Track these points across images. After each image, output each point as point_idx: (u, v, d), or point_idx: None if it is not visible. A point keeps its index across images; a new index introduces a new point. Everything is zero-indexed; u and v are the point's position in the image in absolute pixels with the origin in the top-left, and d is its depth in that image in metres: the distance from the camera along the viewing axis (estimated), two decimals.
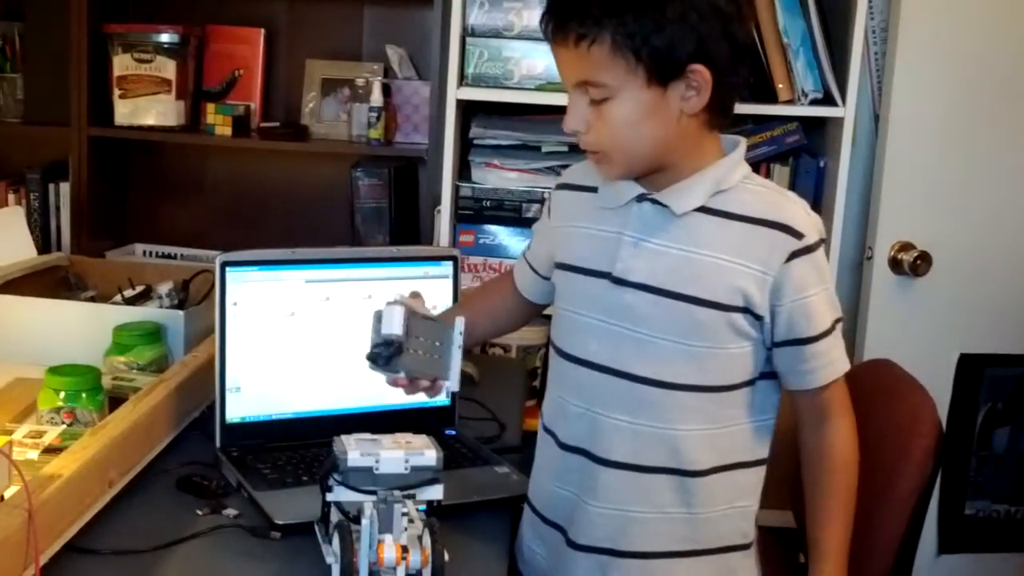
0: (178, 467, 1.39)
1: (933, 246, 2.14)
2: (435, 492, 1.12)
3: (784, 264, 1.19)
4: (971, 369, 2.21)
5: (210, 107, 2.52)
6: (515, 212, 2.28)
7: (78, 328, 1.66)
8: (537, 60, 2.18)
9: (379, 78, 2.50)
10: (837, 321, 1.25)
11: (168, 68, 2.46)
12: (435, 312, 1.32)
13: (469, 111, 2.31)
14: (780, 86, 2.12)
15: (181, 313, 1.69)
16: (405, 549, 1.06)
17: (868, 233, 2.19)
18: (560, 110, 2.24)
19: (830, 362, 1.23)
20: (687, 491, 1.24)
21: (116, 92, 2.46)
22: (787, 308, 1.20)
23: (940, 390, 2.14)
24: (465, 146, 2.30)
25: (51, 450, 1.30)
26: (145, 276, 1.93)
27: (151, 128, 2.47)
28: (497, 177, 2.28)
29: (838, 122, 2.11)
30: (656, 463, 1.24)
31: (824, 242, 1.24)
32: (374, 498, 1.07)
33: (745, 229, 1.20)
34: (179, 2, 2.58)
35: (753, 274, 1.19)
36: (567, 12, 1.16)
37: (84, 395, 1.42)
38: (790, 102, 2.13)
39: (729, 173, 1.22)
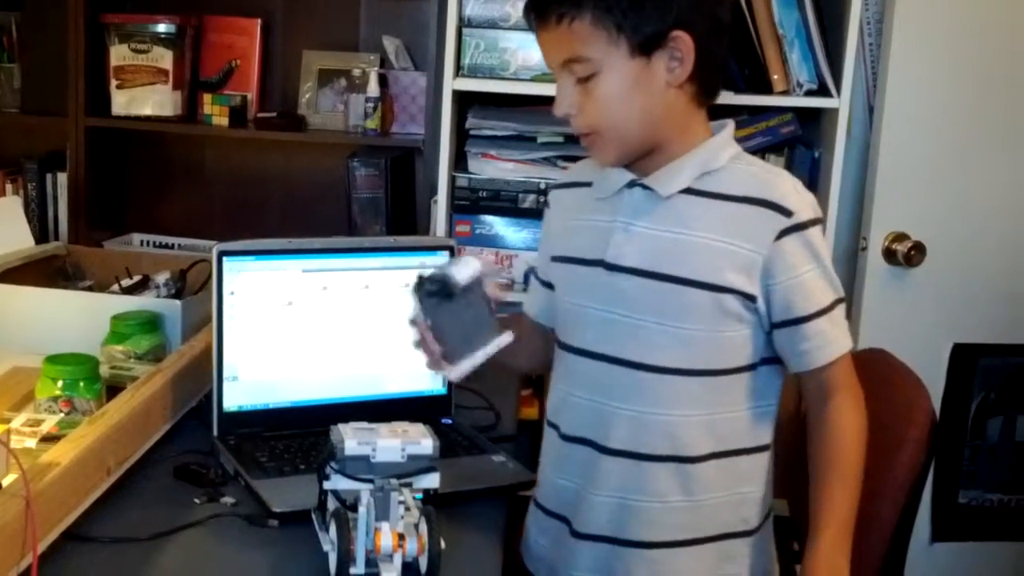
0: (175, 455, 1.40)
1: (927, 237, 2.14)
2: (431, 480, 1.12)
3: (774, 242, 1.19)
4: (965, 359, 2.22)
5: (207, 97, 2.52)
6: (511, 203, 2.28)
7: (76, 317, 1.66)
8: (533, 51, 2.18)
9: (376, 68, 2.51)
10: (838, 301, 1.23)
11: (165, 58, 2.46)
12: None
13: (465, 101, 2.31)
14: (775, 77, 2.13)
15: (178, 303, 1.70)
16: (401, 537, 1.07)
17: (863, 224, 2.20)
18: (554, 101, 2.26)
19: (829, 341, 1.22)
20: (686, 478, 1.24)
21: (113, 82, 2.46)
22: (781, 287, 1.20)
23: (934, 380, 2.15)
24: (461, 136, 2.31)
25: (49, 439, 1.31)
26: (142, 266, 1.93)
27: (148, 118, 2.48)
28: (493, 168, 2.28)
29: (833, 113, 2.12)
30: (656, 451, 1.24)
31: (820, 221, 1.22)
32: (371, 486, 1.08)
33: (733, 208, 1.20)
34: None
35: (743, 253, 1.19)
36: None
37: (82, 384, 1.43)
38: (785, 93, 2.13)
39: (717, 154, 1.23)
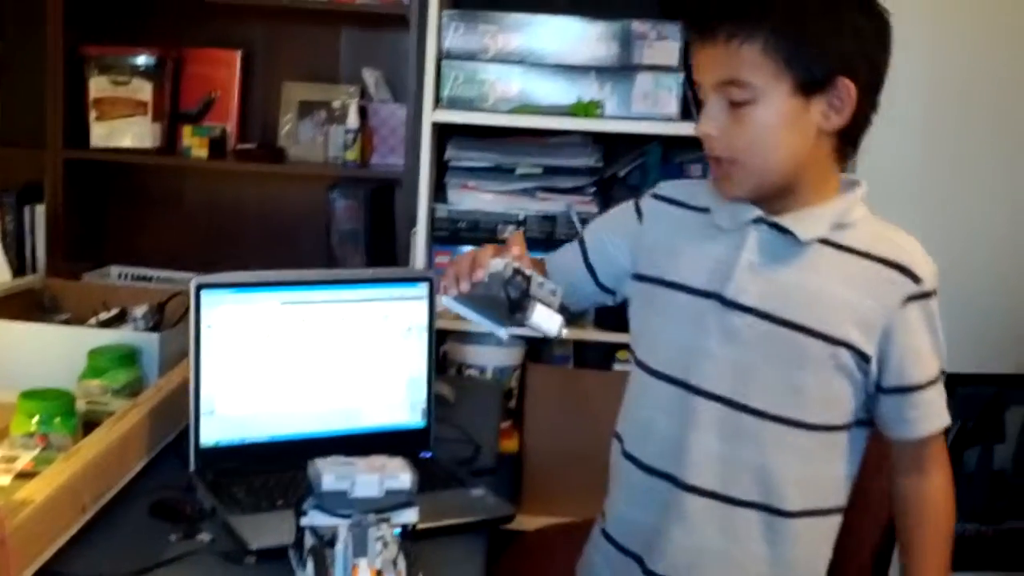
0: (152, 491, 1.39)
1: None
2: (410, 515, 1.12)
3: (901, 306, 1.17)
4: None
5: (187, 129, 2.52)
6: (490, 233, 2.30)
7: (52, 351, 1.65)
8: (512, 83, 2.20)
9: (355, 100, 2.52)
10: (943, 372, 1.23)
11: (144, 90, 2.46)
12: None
13: (445, 133, 2.33)
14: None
15: (156, 336, 1.69)
16: (380, 573, 1.06)
17: None
18: (535, 132, 2.29)
19: (936, 412, 1.22)
20: (774, 530, 1.22)
21: (92, 114, 2.46)
22: (898, 352, 1.18)
23: None
24: (441, 168, 2.32)
25: (24, 475, 1.29)
26: (120, 299, 1.92)
27: (127, 150, 2.48)
28: (473, 199, 2.30)
29: None
30: (745, 496, 1.21)
31: (938, 292, 1.22)
32: (348, 522, 1.07)
33: (864, 265, 1.18)
34: (156, 24, 2.59)
35: (867, 311, 1.17)
36: (723, 8, 1.15)
37: (58, 419, 1.41)
38: None
39: (851, 209, 1.21)
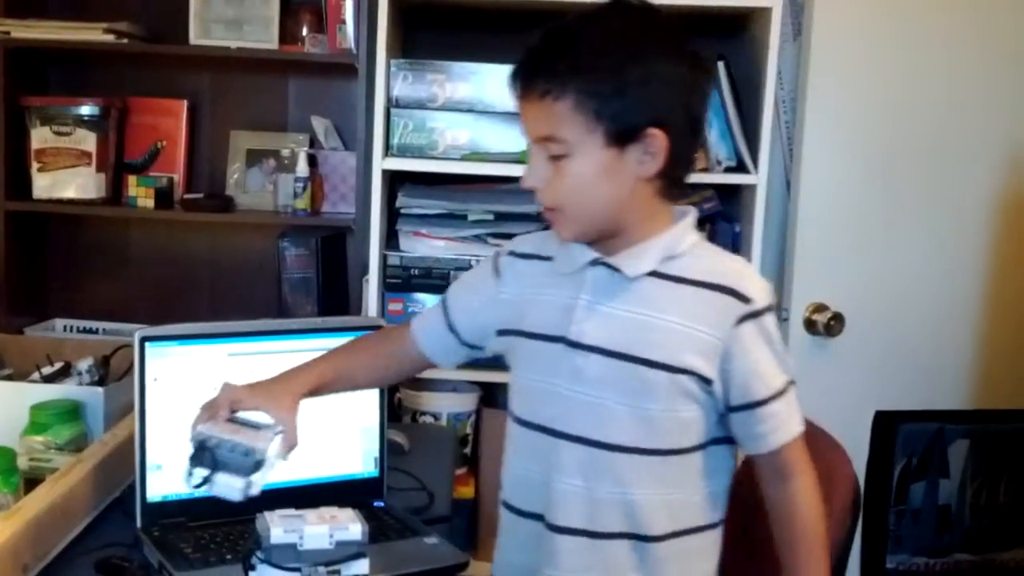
0: (97, 550, 1.36)
1: (846, 307, 2.21)
2: (361, 567, 1.11)
3: (734, 328, 1.21)
4: (886, 425, 2.27)
5: (132, 179, 2.50)
6: (443, 280, 2.30)
7: None
8: (461, 131, 2.22)
9: (305, 148, 2.52)
10: (791, 383, 1.26)
11: (88, 140, 2.44)
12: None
13: (395, 180, 2.34)
14: (695, 155, 2.19)
15: (100, 390, 1.66)
16: None
17: (783, 295, 2.26)
18: (486, 179, 2.31)
19: (784, 423, 1.25)
20: (643, 557, 1.25)
21: (35, 165, 2.43)
22: (739, 372, 1.22)
23: (858, 446, 2.20)
24: (392, 215, 2.32)
25: None
26: (64, 352, 1.89)
27: (71, 201, 2.45)
28: (424, 246, 2.30)
29: (751, 189, 2.19)
30: (613, 528, 1.24)
31: (774, 307, 1.26)
32: (298, 575, 1.06)
33: (695, 293, 1.22)
34: (100, 74, 2.57)
35: (703, 337, 1.21)
36: (536, 66, 1.20)
37: None
38: (705, 170, 2.20)
39: (680, 240, 1.25)
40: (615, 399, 1.22)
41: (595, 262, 1.25)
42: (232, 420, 1.22)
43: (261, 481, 1.18)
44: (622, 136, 1.18)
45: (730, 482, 1.31)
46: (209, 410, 1.25)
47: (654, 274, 1.23)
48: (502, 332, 1.35)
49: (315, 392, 1.34)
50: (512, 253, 1.39)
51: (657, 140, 1.18)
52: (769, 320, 1.24)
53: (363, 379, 1.46)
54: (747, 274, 1.26)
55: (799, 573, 1.26)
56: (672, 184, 1.24)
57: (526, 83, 1.21)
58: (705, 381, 1.22)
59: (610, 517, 1.24)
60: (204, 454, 1.17)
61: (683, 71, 1.20)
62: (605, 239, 1.25)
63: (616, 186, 1.20)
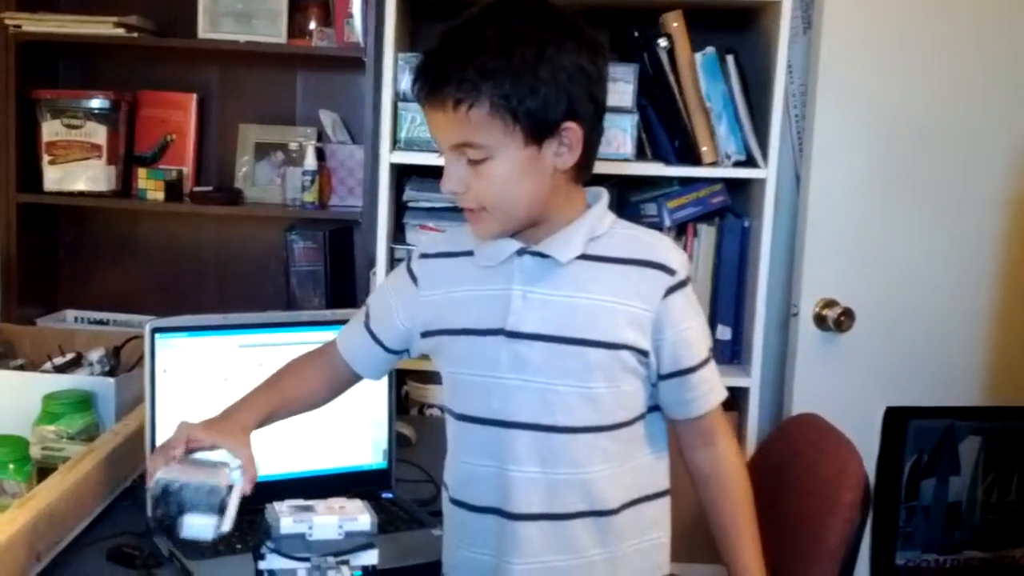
0: (109, 538, 1.37)
1: (856, 302, 2.20)
2: (370, 557, 1.11)
3: (662, 300, 1.25)
4: (896, 422, 2.27)
5: (142, 172, 2.51)
6: None
7: (6, 397, 1.63)
8: None
9: (313, 142, 2.52)
10: (711, 351, 1.31)
11: (99, 133, 2.45)
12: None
13: (402, 174, 2.34)
14: (704, 149, 2.19)
15: (112, 380, 1.67)
16: None
17: (792, 291, 2.25)
18: None
19: (712, 389, 1.30)
20: (603, 531, 1.27)
21: (45, 158, 2.44)
22: (669, 341, 1.26)
23: (867, 443, 2.19)
24: (399, 209, 2.33)
25: None
26: (76, 343, 1.90)
27: (81, 194, 2.46)
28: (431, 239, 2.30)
29: (761, 183, 2.18)
30: (572, 508, 1.26)
31: (690, 279, 1.30)
32: (307, 565, 1.07)
33: (623, 270, 1.26)
34: (110, 67, 2.58)
35: (635, 312, 1.24)
36: (444, 77, 1.19)
37: (11, 466, 1.39)
38: (714, 164, 2.20)
39: (600, 220, 1.29)
40: (562, 382, 1.24)
41: (521, 252, 1.27)
42: (186, 462, 1.20)
43: (231, 517, 1.16)
44: (540, 133, 1.19)
45: (667, 447, 1.35)
46: (164, 452, 1.21)
47: (582, 256, 1.26)
48: (426, 334, 1.35)
49: (262, 423, 1.33)
50: (423, 256, 1.39)
51: (572, 132, 1.20)
52: (691, 289, 1.29)
53: (303, 404, 1.42)
54: (668, 247, 1.30)
55: (736, 528, 1.31)
56: (584, 169, 1.27)
57: (435, 93, 1.20)
58: (642, 353, 1.26)
59: (569, 498, 1.26)
60: (169, 498, 1.15)
61: (585, 61, 1.21)
62: (527, 230, 1.27)
63: (537, 181, 1.22)
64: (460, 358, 1.32)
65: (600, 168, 2.24)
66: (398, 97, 2.22)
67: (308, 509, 1.10)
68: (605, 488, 1.27)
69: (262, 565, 1.10)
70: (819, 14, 2.19)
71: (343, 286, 2.53)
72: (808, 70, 2.24)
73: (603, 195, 1.31)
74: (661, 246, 1.29)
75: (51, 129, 2.44)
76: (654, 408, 1.32)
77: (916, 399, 2.27)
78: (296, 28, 2.47)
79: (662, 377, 1.28)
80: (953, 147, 2.21)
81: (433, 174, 2.32)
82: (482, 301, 1.28)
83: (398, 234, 2.32)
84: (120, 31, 2.37)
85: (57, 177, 2.45)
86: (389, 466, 1.60)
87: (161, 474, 1.16)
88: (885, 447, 2.26)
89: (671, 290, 1.25)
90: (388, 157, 2.20)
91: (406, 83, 2.22)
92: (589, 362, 1.24)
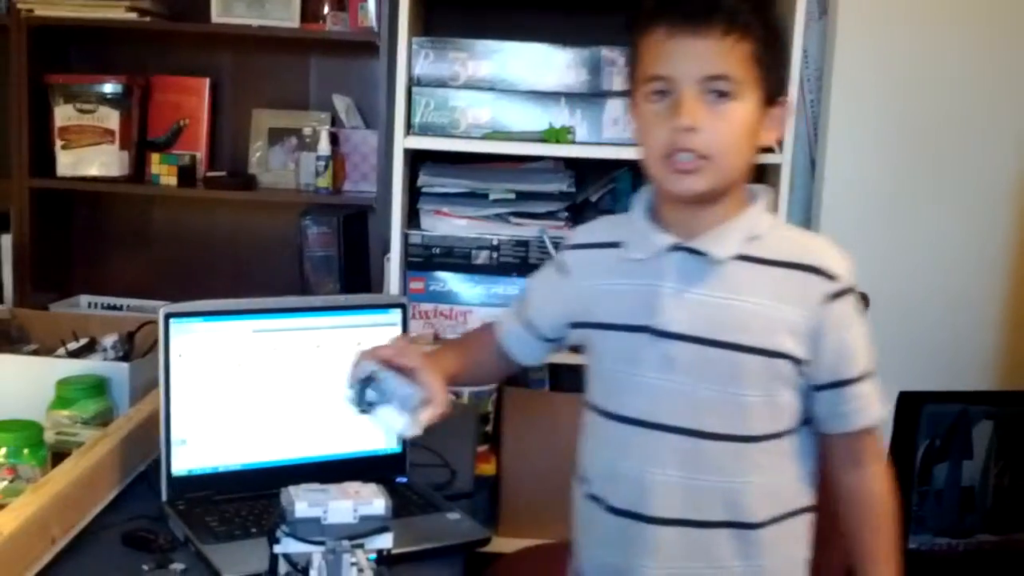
0: (123, 522, 1.37)
1: (870, 286, 2.17)
2: (385, 541, 1.11)
3: (823, 306, 1.18)
4: (910, 406, 2.26)
5: (155, 157, 2.51)
6: (464, 259, 2.30)
7: (20, 382, 1.63)
8: (483, 109, 2.21)
9: (326, 127, 2.52)
10: (873, 364, 1.24)
11: (111, 118, 2.45)
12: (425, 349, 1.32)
13: (417, 159, 2.33)
14: None
15: (126, 365, 1.67)
16: None
17: None
18: (507, 158, 2.30)
19: (870, 404, 1.23)
20: (745, 543, 1.22)
21: (58, 143, 2.45)
22: (829, 350, 1.20)
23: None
24: (414, 194, 2.32)
25: None
26: (89, 328, 1.90)
27: (94, 179, 2.46)
28: (446, 224, 2.30)
29: (776, 168, 2.17)
30: (714, 517, 1.21)
31: (855, 288, 1.23)
32: (322, 548, 1.07)
33: (782, 274, 1.19)
34: (122, 52, 2.58)
35: (793, 317, 1.18)
36: (716, 2, 1.15)
37: (26, 451, 1.40)
38: None
39: (760, 219, 1.23)
40: (709, 387, 1.19)
41: (674, 247, 1.21)
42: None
43: (420, 425, 1.22)
44: (773, 95, 1.18)
45: (817, 462, 1.28)
46: (376, 351, 1.24)
47: (739, 257, 1.20)
48: (576, 325, 1.32)
49: (452, 379, 1.32)
50: (573, 246, 1.35)
51: (788, 108, 1.20)
52: (855, 298, 1.22)
53: (480, 374, 1.44)
54: (831, 252, 1.22)
55: (877, 556, 1.25)
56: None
57: (705, 16, 1.14)
58: (799, 363, 1.19)
59: (712, 506, 1.21)
60: (368, 387, 1.22)
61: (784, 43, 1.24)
62: (706, 204, 1.20)
63: (752, 146, 1.18)
64: (605, 353, 1.27)
65: (615, 153, 2.26)
66: (412, 82, 2.21)
67: (323, 493, 1.10)
68: (752, 501, 1.21)
69: (277, 549, 1.11)
70: (834, 0, 2.18)
71: (357, 271, 2.53)
72: (823, 55, 2.23)
73: (762, 193, 1.25)
74: (824, 251, 1.22)
75: (64, 114, 2.44)
76: (807, 421, 1.25)
77: (930, 383, 2.27)
78: (309, 12, 2.46)
79: (819, 388, 1.22)
80: (968, 132, 2.20)
81: (447, 159, 2.32)
82: (628, 296, 1.23)
83: (412, 219, 2.32)
84: (133, 15, 2.37)
85: (70, 162, 2.45)
86: (404, 451, 1.60)
87: (370, 363, 1.22)
88: (898, 431, 2.26)
89: (832, 297, 1.18)
90: (402, 142, 2.20)
91: (420, 67, 2.22)
92: (741, 368, 1.18)
